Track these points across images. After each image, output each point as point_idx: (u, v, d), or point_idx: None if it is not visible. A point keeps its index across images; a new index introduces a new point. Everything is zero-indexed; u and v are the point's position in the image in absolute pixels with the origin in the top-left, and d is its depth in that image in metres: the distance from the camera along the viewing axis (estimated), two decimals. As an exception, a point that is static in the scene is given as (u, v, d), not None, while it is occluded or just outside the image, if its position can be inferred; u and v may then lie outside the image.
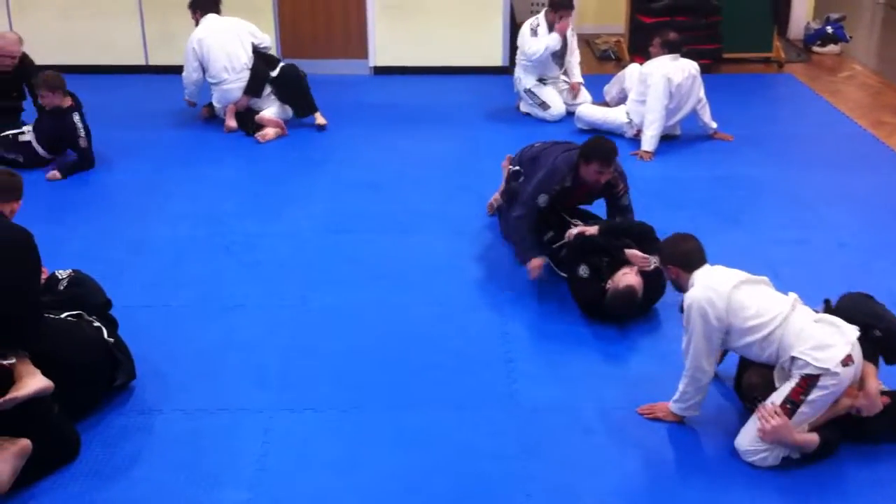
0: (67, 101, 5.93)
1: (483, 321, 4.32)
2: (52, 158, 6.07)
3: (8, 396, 3.08)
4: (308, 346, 4.10)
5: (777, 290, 3.51)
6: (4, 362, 3.14)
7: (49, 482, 3.22)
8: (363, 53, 8.39)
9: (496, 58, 8.26)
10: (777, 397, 3.29)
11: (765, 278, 3.52)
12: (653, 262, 4.19)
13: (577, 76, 7.20)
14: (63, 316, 3.55)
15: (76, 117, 5.92)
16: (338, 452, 3.41)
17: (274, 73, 6.76)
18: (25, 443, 3.15)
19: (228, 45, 6.66)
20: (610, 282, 4.24)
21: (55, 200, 5.61)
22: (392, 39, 8.31)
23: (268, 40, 6.94)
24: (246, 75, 6.68)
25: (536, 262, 4.53)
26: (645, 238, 4.42)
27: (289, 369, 3.92)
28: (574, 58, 7.17)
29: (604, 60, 8.76)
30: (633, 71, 6.75)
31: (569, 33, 7.00)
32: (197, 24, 6.79)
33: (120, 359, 3.67)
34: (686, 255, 3.54)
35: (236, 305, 4.44)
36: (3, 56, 6.06)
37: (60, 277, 3.77)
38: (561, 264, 4.58)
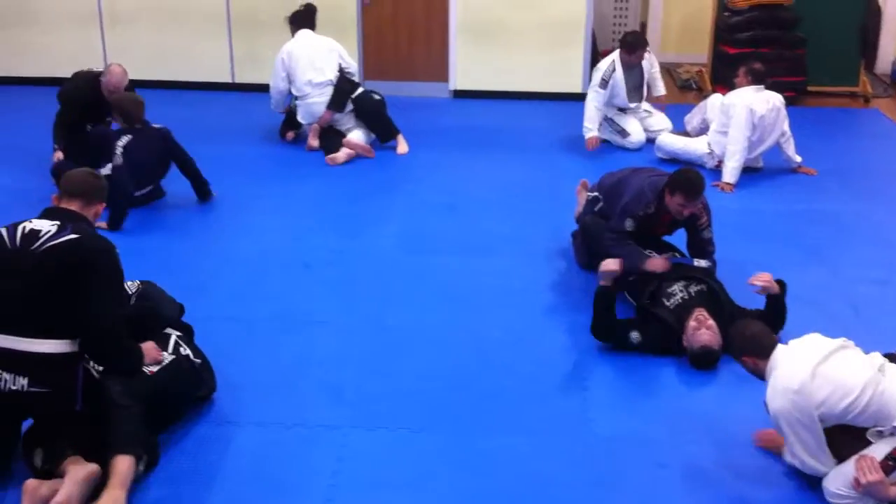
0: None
1: (558, 347, 4.31)
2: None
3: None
4: (383, 365, 4.14)
5: (859, 335, 3.41)
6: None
7: (131, 486, 3.29)
8: (444, 76, 8.47)
9: (576, 84, 8.26)
10: (878, 452, 3.19)
11: (842, 341, 3.35)
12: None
13: (660, 89, 7.17)
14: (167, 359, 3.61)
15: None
16: (409, 472, 3.43)
17: (354, 95, 6.87)
18: (95, 468, 3.18)
19: (315, 61, 6.80)
20: (684, 339, 4.16)
21: (140, 212, 5.75)
22: (473, 63, 8.38)
23: (354, 66, 7.06)
24: (329, 91, 6.81)
25: (657, 261, 4.46)
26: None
27: (364, 387, 3.96)
28: (654, 71, 7.09)
29: (685, 90, 8.70)
30: (714, 101, 6.70)
31: (645, 63, 6.97)
32: (293, 36, 6.96)
33: (204, 377, 3.75)
34: (756, 341, 3.38)
35: (314, 321, 4.51)
36: (109, 91, 6.03)
37: (130, 291, 3.83)
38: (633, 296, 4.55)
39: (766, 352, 3.33)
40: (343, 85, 6.84)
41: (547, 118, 7.86)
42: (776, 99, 6.33)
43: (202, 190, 5.90)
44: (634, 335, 4.20)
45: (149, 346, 3.54)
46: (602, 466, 3.48)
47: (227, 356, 4.03)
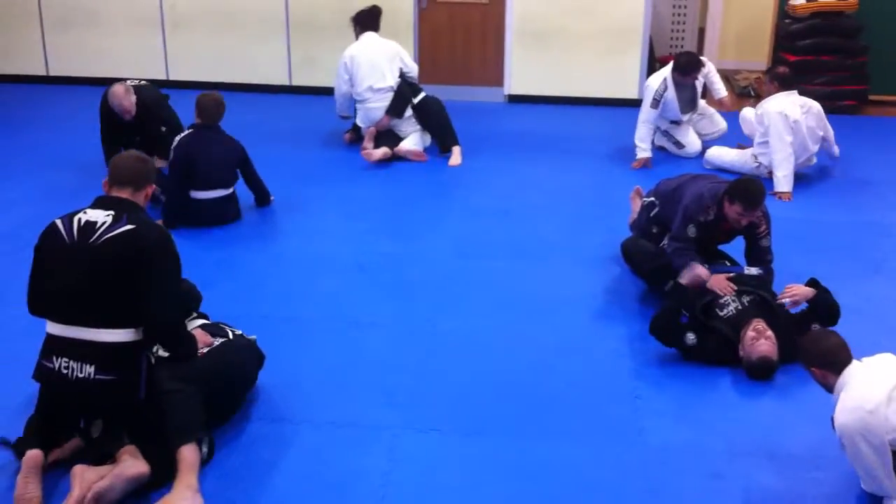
0: None
1: (611, 354, 4.28)
2: None
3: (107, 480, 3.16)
4: (435, 368, 4.15)
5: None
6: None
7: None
8: (499, 81, 8.48)
9: (632, 90, 8.21)
10: None
11: None
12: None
13: (720, 91, 7.06)
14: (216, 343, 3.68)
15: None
16: (460, 476, 3.42)
17: (416, 100, 6.90)
18: (145, 470, 3.21)
19: (377, 66, 6.84)
20: (741, 349, 4.11)
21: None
22: (528, 68, 8.37)
23: (416, 70, 7.10)
24: (389, 96, 6.84)
25: (718, 278, 4.40)
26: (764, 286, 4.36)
27: (416, 389, 3.97)
28: (711, 75, 6.98)
29: (743, 97, 8.59)
30: (747, 114, 6.65)
31: (697, 82, 6.88)
32: (357, 38, 7.00)
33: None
34: (829, 355, 3.26)
35: (367, 323, 4.53)
36: (120, 113, 5.98)
37: None
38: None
39: (838, 367, 3.22)
40: (404, 90, 6.87)
41: (602, 124, 7.82)
42: (811, 103, 6.24)
43: (262, 198, 5.94)
44: (690, 336, 4.16)
45: (198, 332, 3.63)
46: (655, 476, 3.44)
47: (281, 355, 4.07)
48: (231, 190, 5.72)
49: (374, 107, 6.88)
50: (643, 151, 6.74)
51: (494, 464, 3.49)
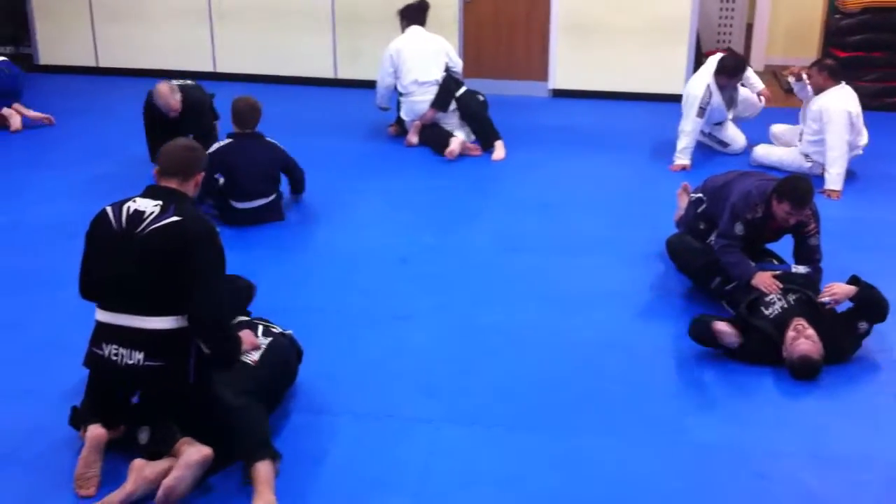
0: None
1: (654, 351, 4.24)
2: None
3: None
4: (476, 362, 4.14)
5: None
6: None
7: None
8: (543, 76, 8.44)
9: (678, 86, 8.08)
10: None
11: None
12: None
13: (759, 85, 6.95)
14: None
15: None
16: (501, 470, 3.42)
17: (458, 93, 6.90)
18: (209, 451, 3.23)
19: (422, 60, 6.85)
20: (784, 350, 4.06)
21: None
22: (573, 62, 8.33)
23: (460, 65, 7.09)
24: (433, 90, 6.84)
25: (763, 276, 4.38)
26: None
27: (456, 382, 3.97)
28: (747, 75, 6.86)
29: (791, 93, 8.44)
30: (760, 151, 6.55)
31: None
32: (403, 31, 7.00)
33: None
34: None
35: (407, 315, 4.53)
36: (165, 111, 6.03)
37: None
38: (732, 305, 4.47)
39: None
40: (448, 84, 6.87)
41: (647, 119, 7.76)
42: (854, 93, 6.15)
43: (298, 187, 5.85)
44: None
45: (244, 333, 3.60)
46: (697, 474, 3.41)
47: (322, 347, 4.10)
48: (272, 197, 5.56)
49: (419, 100, 6.89)
50: (683, 159, 6.58)
51: (534, 459, 3.48)
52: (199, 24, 8.67)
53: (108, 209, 3.37)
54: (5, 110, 7.26)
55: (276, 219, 5.59)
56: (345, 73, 8.54)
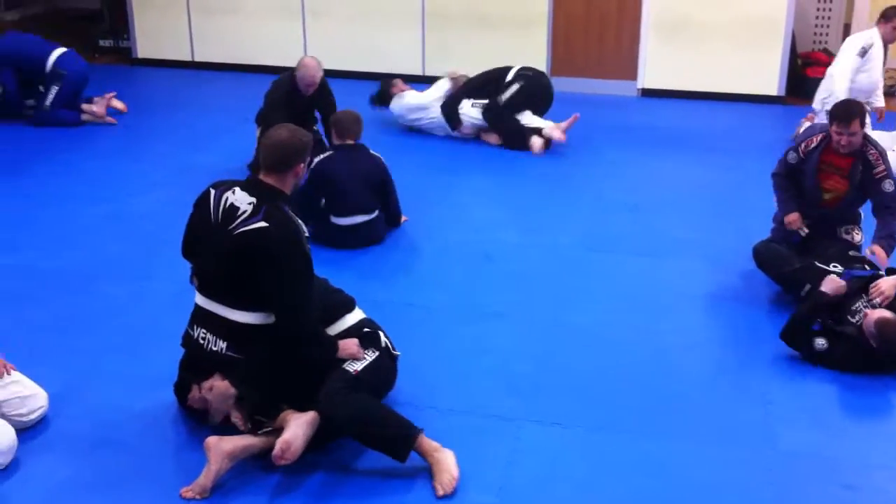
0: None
1: (740, 356, 4.18)
2: None
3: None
4: (560, 361, 4.14)
5: None
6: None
7: (312, 453, 3.38)
8: (632, 74, 8.36)
9: (772, 86, 7.98)
10: None
11: None
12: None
13: (880, 100, 6.80)
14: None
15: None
16: (583, 471, 3.41)
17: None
18: (314, 414, 3.28)
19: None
20: (865, 331, 3.99)
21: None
22: (663, 62, 8.23)
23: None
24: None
25: (792, 216, 4.71)
26: None
27: (540, 381, 3.97)
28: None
29: (889, 96, 8.21)
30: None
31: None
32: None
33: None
34: None
35: (492, 313, 4.55)
36: (306, 85, 6.05)
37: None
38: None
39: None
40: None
41: (739, 121, 7.63)
42: None
43: (393, 220, 5.49)
44: (820, 341, 4.05)
45: (349, 343, 3.53)
46: (783, 482, 3.35)
47: (407, 341, 4.11)
48: (374, 215, 5.27)
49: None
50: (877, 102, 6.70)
51: (617, 461, 3.46)
52: (292, 19, 8.83)
53: (212, 192, 3.43)
54: (85, 106, 7.42)
55: (375, 240, 5.29)
56: (432, 70, 8.58)
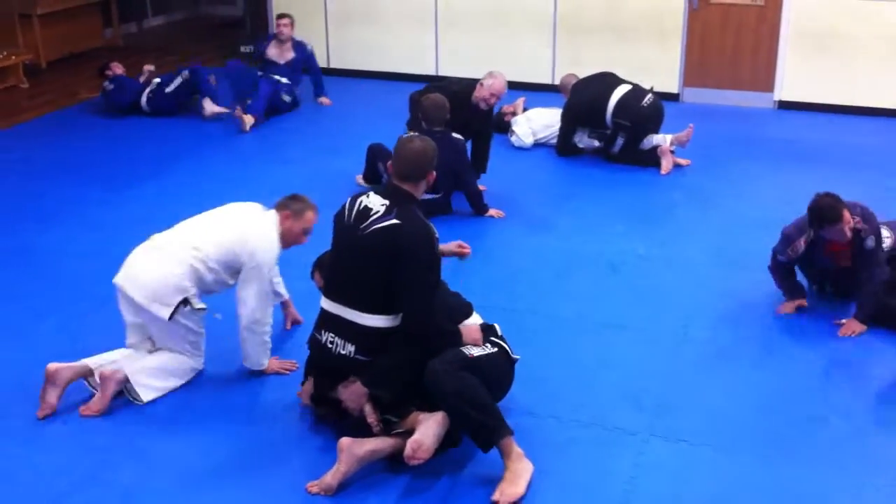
0: None
1: (882, 381, 4.00)
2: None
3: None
4: (685, 377, 4.05)
5: None
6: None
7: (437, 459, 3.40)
8: (769, 86, 8.13)
9: (921, 101, 7.62)
10: None
11: None
12: None
13: None
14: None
15: None
16: (707, 491, 3.32)
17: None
18: (444, 414, 3.32)
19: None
20: None
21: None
22: (801, 73, 7.97)
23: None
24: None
25: (788, 306, 4.57)
26: None
27: (665, 397, 3.90)
28: None
29: None
30: None
31: None
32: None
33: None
34: None
35: (617, 325, 4.50)
36: (489, 97, 6.00)
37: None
38: None
39: None
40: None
41: (881, 136, 7.31)
42: None
43: (474, 206, 5.81)
44: None
45: (472, 329, 3.59)
46: (925, 517, 3.20)
47: (529, 349, 4.10)
48: (440, 195, 5.61)
49: None
50: None
51: (745, 484, 3.36)
52: (425, 28, 8.94)
53: (349, 199, 3.52)
54: (237, 111, 7.68)
55: (443, 212, 5.69)
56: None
